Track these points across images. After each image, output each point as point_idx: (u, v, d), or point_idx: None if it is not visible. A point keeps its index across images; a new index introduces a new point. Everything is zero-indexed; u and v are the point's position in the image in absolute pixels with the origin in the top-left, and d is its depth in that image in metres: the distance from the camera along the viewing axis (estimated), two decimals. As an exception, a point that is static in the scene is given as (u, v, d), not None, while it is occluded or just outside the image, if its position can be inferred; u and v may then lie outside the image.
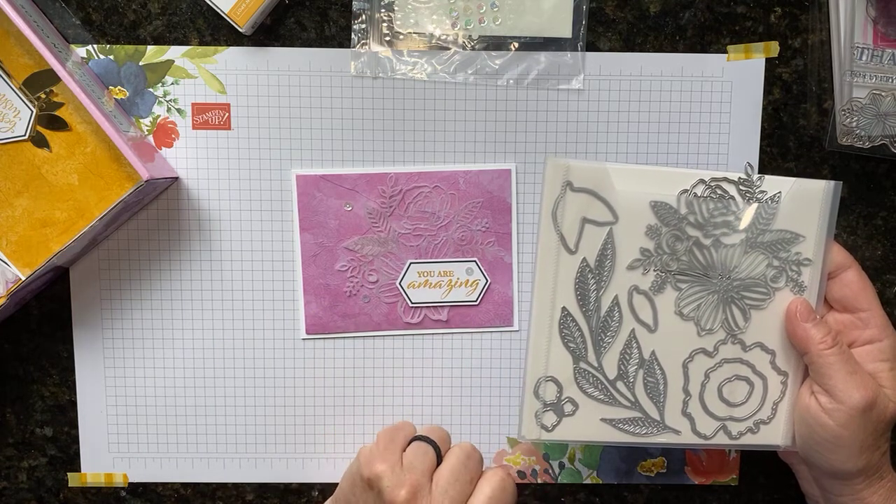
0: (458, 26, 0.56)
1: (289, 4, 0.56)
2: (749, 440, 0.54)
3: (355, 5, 0.56)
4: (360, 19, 0.56)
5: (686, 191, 0.52)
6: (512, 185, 0.58)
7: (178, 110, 0.57)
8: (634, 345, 0.53)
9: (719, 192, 0.52)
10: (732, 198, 0.52)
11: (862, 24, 0.56)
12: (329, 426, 0.60)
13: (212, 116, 0.57)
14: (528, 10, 0.56)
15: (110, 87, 0.57)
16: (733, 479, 0.61)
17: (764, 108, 0.58)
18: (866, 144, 0.56)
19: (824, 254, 0.53)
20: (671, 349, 0.53)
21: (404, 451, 0.52)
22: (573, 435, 0.54)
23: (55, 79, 0.54)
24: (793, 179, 0.53)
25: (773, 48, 0.57)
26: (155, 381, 0.59)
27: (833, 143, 0.57)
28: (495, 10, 0.56)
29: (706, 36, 0.57)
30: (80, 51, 0.56)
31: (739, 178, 0.52)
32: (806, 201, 0.53)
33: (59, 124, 0.54)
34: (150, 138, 0.57)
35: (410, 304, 0.59)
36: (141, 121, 0.57)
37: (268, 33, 0.57)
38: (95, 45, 0.56)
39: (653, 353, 0.53)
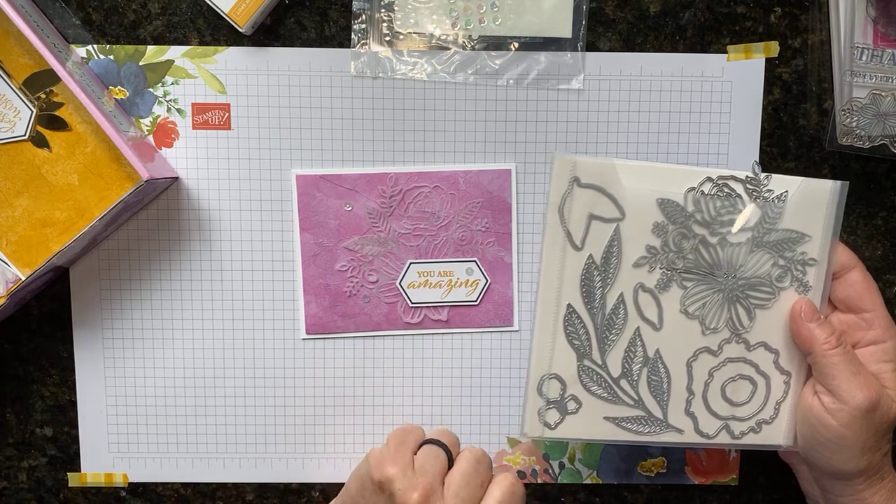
0: (458, 26, 0.56)
1: (289, 4, 0.56)
2: (751, 440, 0.54)
3: (355, 5, 0.56)
4: (360, 19, 0.56)
5: (693, 188, 0.52)
6: (512, 185, 0.58)
7: (178, 110, 0.57)
8: (639, 343, 0.53)
9: (726, 190, 0.52)
10: (739, 196, 0.52)
11: (862, 24, 0.56)
12: (329, 426, 0.60)
13: (212, 116, 0.57)
14: (528, 10, 0.56)
15: (110, 87, 0.57)
16: (733, 479, 0.61)
17: (764, 108, 0.58)
18: (866, 144, 0.56)
19: (829, 254, 0.53)
20: (676, 348, 0.53)
21: (415, 454, 0.52)
22: (576, 433, 0.54)
23: (55, 79, 0.54)
24: (800, 179, 0.52)
25: (773, 48, 0.57)
26: (155, 381, 0.59)
27: (833, 143, 0.57)
28: (495, 10, 0.56)
29: (706, 36, 0.57)
30: (80, 51, 0.56)
31: (747, 176, 0.52)
32: (813, 201, 0.53)
33: (59, 124, 0.54)
34: (150, 138, 0.57)
35: (410, 304, 0.59)
36: (141, 121, 0.57)
37: (268, 33, 0.57)
38: (95, 45, 0.56)
39: (657, 351, 0.53)
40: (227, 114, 0.57)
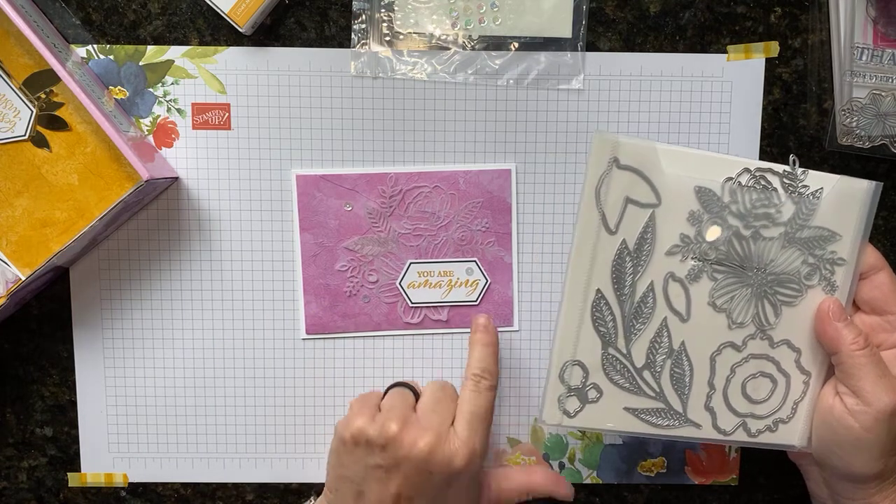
0: (458, 26, 0.56)
1: (289, 4, 0.56)
2: (767, 439, 0.54)
3: (355, 5, 0.56)
4: (360, 19, 0.56)
5: (731, 178, 0.51)
6: (512, 185, 0.58)
7: (178, 110, 0.57)
8: (665, 334, 0.52)
9: (763, 182, 0.51)
10: (775, 189, 0.52)
11: (862, 24, 0.56)
12: (329, 426, 0.60)
13: (212, 116, 0.57)
14: (528, 10, 0.56)
15: (110, 87, 0.57)
16: (733, 479, 0.61)
17: (764, 108, 0.58)
18: (866, 144, 0.56)
19: (858, 254, 0.52)
20: (701, 340, 0.53)
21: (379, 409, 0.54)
22: (595, 422, 0.53)
23: (55, 79, 0.54)
24: (837, 177, 0.52)
25: (773, 48, 0.57)
26: (155, 381, 0.59)
27: (833, 143, 0.57)
28: (495, 10, 0.56)
29: (706, 36, 0.57)
30: (80, 51, 0.56)
31: (784, 170, 0.51)
32: (846, 200, 0.52)
33: (59, 124, 0.54)
34: (150, 138, 0.57)
35: (410, 304, 0.59)
36: (141, 121, 0.57)
37: (268, 33, 0.57)
38: (95, 45, 0.56)
39: (682, 343, 0.52)
40: (227, 114, 0.57)
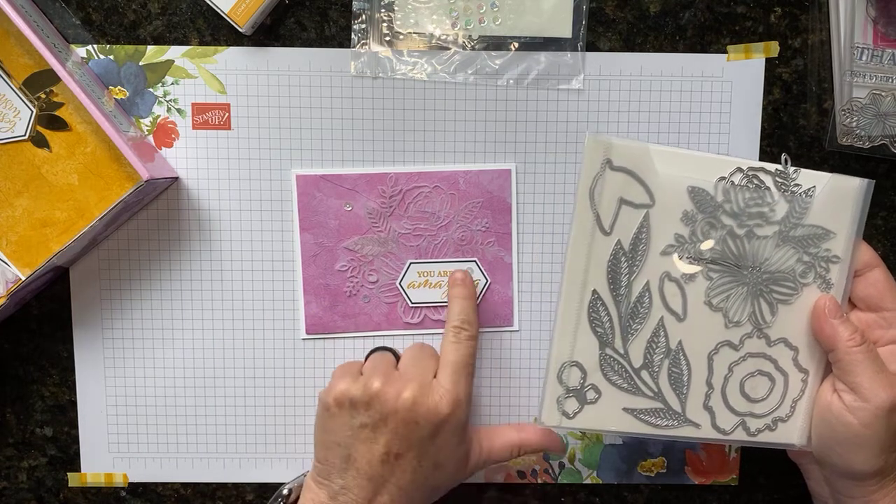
0: (458, 26, 0.56)
1: (289, 4, 0.56)
2: (766, 437, 0.54)
3: (355, 5, 0.56)
4: (360, 19, 0.56)
5: (724, 178, 0.51)
6: (512, 185, 0.58)
7: (178, 110, 0.57)
8: (662, 333, 0.52)
9: (756, 181, 0.52)
10: (768, 189, 0.52)
11: (862, 24, 0.56)
12: (329, 426, 0.60)
13: (212, 116, 0.57)
14: (528, 10, 0.56)
15: (110, 87, 0.57)
16: (733, 479, 0.61)
17: (764, 108, 0.58)
18: (866, 144, 0.56)
19: (853, 252, 0.52)
20: (698, 340, 0.53)
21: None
22: (594, 423, 0.53)
23: (55, 79, 0.54)
24: (829, 175, 0.52)
25: (773, 48, 0.57)
26: (155, 381, 0.59)
27: (833, 143, 0.57)
28: (495, 10, 0.56)
29: (706, 36, 0.57)
30: (80, 51, 0.56)
31: (776, 169, 0.52)
32: (839, 198, 0.52)
33: (59, 124, 0.54)
34: (150, 138, 0.57)
35: (410, 304, 0.59)
36: (141, 121, 0.57)
37: (268, 33, 0.57)
38: (95, 45, 0.56)
39: (679, 342, 0.53)
40: (227, 114, 0.57)
